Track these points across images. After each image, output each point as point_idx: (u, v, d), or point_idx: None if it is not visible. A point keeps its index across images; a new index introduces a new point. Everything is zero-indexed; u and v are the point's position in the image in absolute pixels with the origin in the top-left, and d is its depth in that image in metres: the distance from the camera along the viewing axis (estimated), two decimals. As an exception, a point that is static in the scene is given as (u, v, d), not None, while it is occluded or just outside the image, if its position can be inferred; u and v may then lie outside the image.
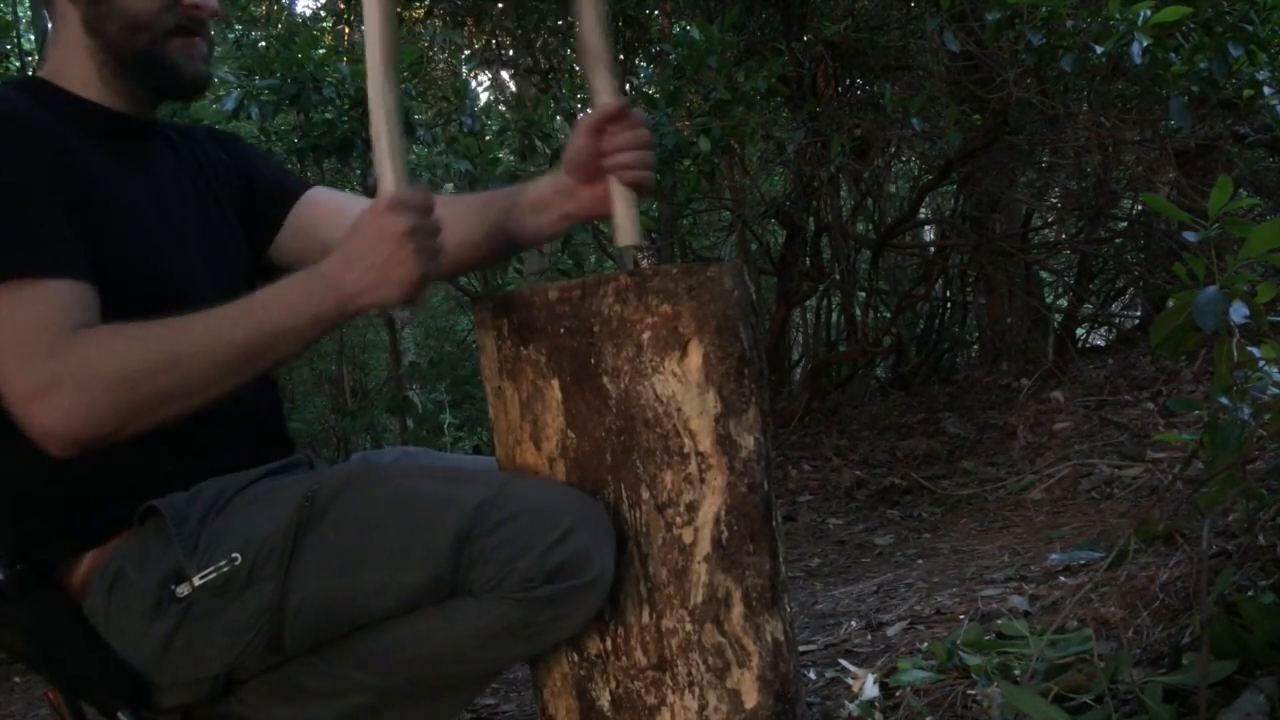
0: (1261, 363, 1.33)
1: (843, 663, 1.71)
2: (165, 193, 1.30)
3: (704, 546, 1.16)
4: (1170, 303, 1.35)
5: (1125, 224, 4.85)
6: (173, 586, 1.13)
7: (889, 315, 5.13)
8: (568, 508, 1.10)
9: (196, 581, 1.12)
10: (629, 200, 1.28)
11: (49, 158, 1.14)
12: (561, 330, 1.15)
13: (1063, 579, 1.99)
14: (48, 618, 1.18)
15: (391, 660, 1.14)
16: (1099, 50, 2.97)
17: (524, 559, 1.06)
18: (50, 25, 1.29)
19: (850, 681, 1.59)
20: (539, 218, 1.38)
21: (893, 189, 5.71)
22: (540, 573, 1.06)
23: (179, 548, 1.14)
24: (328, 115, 3.25)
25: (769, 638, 1.19)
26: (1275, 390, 1.29)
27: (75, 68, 1.26)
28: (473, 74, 6.43)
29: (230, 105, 3.12)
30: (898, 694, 1.51)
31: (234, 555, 1.13)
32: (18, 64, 4.38)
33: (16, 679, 2.86)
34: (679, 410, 1.15)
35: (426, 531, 1.10)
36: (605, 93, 1.26)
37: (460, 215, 1.38)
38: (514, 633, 1.10)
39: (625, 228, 1.29)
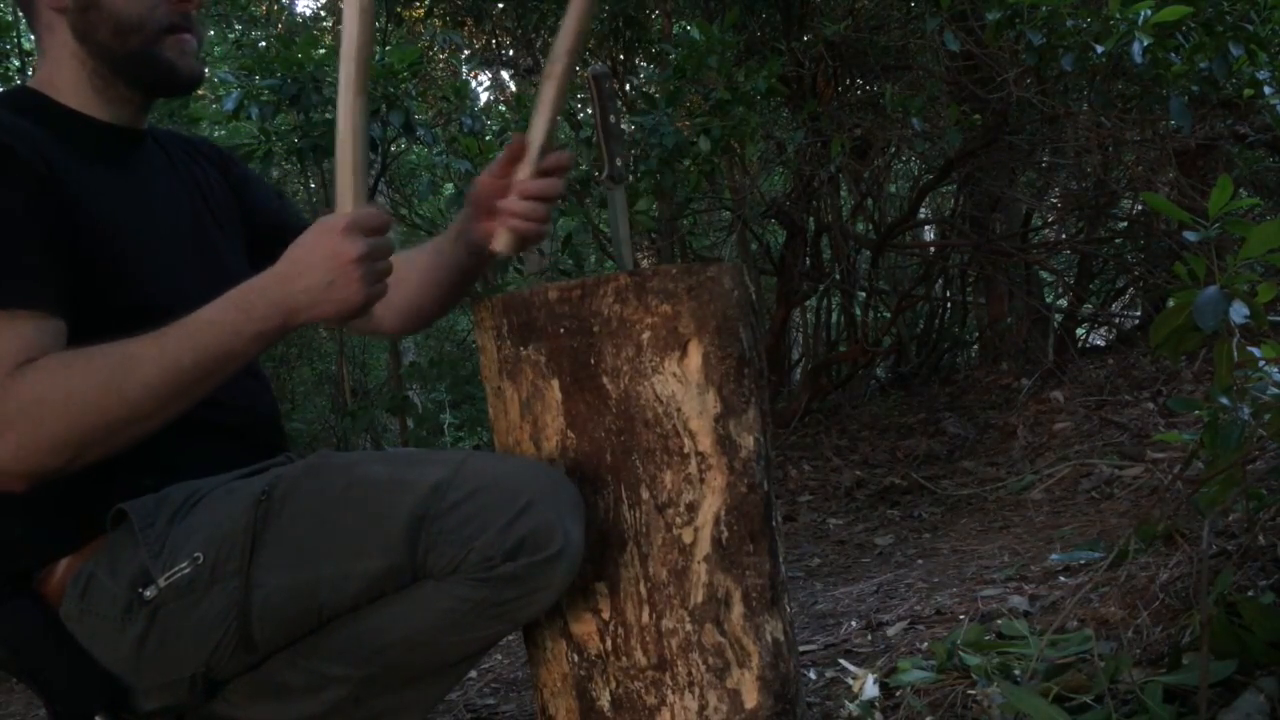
0: (1261, 363, 1.33)
1: (843, 663, 1.71)
2: (160, 206, 1.30)
3: (704, 546, 1.16)
4: (1170, 303, 1.35)
5: (1125, 224, 4.85)
6: (141, 589, 1.13)
7: (889, 315, 5.12)
8: (527, 482, 1.08)
9: (162, 583, 1.12)
10: (512, 245, 1.31)
11: (29, 184, 1.11)
12: (561, 330, 1.15)
13: (1063, 579, 1.99)
14: (23, 624, 1.18)
15: (365, 650, 1.13)
16: (1099, 50, 2.97)
17: (481, 538, 1.05)
18: (36, 37, 1.28)
19: (850, 681, 1.59)
20: (456, 246, 1.40)
21: (893, 189, 5.71)
22: (499, 551, 1.05)
23: (145, 550, 1.13)
24: (328, 115, 3.25)
25: (769, 638, 1.19)
26: (1275, 390, 1.29)
27: (66, 78, 1.26)
28: (473, 74, 6.43)
29: (230, 105, 3.12)
30: (898, 694, 1.51)
31: (196, 555, 1.12)
32: (18, 64, 4.38)
33: (16, 680, 2.86)
34: (679, 410, 1.15)
35: (381, 517, 1.09)
36: (536, 133, 1.30)
37: (421, 266, 1.42)
38: (482, 613, 1.09)
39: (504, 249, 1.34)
